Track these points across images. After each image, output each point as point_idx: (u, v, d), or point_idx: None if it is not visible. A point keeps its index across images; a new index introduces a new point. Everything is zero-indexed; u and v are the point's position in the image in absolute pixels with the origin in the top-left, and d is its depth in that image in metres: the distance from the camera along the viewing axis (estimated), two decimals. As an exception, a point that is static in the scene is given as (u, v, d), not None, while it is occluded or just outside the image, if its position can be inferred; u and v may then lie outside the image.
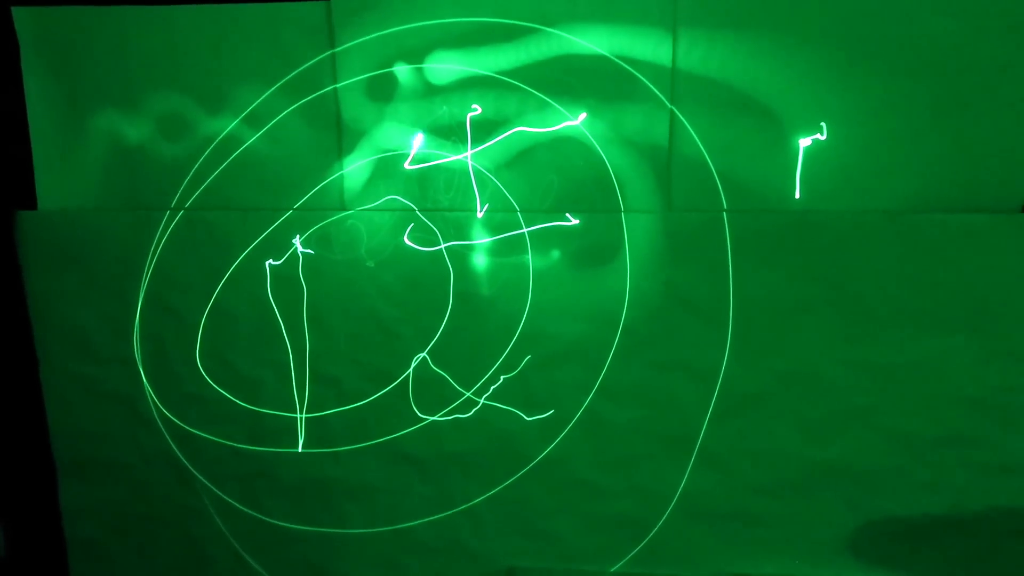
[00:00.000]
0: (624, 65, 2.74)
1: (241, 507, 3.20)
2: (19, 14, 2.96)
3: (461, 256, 2.92)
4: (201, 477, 3.20)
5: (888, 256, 2.70)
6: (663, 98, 2.75)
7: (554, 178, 2.84)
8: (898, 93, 2.64)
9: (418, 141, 2.70)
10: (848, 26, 2.61)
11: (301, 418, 3.09)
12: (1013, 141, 2.62)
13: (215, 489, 3.21)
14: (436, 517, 3.11)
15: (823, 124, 2.69)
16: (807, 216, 2.73)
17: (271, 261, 3.01)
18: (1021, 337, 2.68)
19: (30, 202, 3.11)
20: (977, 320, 2.69)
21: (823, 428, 2.85)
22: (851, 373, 2.80)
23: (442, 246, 2.92)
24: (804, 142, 2.71)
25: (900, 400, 2.79)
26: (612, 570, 3.05)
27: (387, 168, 2.92)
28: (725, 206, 2.78)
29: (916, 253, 2.68)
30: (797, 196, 2.74)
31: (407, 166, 2.90)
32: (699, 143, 2.77)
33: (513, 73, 2.80)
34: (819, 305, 2.77)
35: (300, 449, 3.12)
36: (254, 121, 2.95)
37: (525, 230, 2.88)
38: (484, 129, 2.84)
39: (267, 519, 3.20)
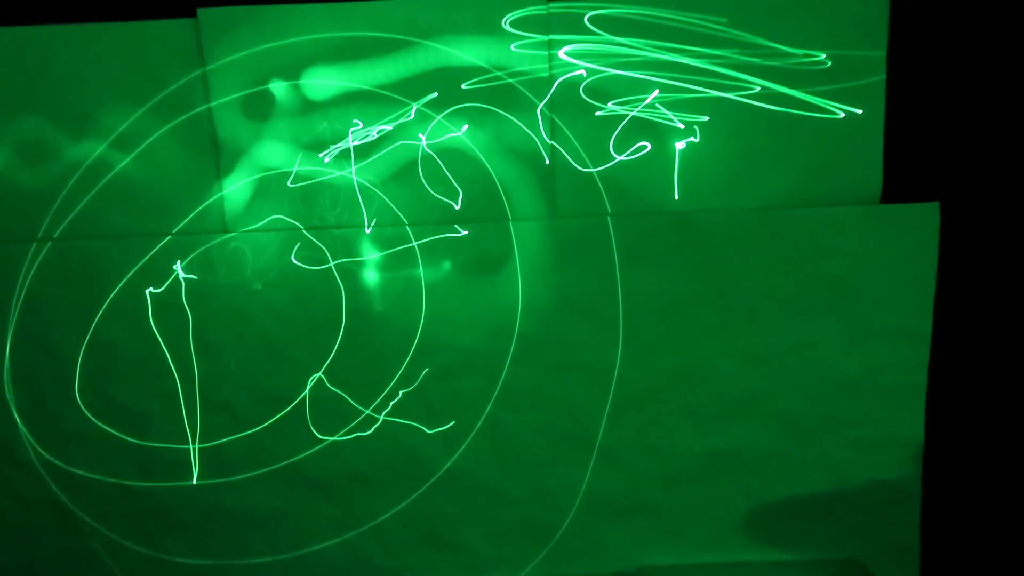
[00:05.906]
0: (503, 75, 2.77)
1: (134, 547, 3.05)
2: None
3: (351, 273, 2.88)
4: (88, 519, 3.03)
5: (761, 249, 2.83)
6: (542, 107, 2.80)
7: (440, 190, 2.85)
8: (763, 96, 2.77)
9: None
10: (714, 31, 2.73)
11: (194, 448, 2.98)
12: (867, 137, 2.79)
13: (104, 530, 3.04)
14: (342, 538, 3.06)
15: (696, 127, 2.80)
16: (686, 216, 2.83)
17: (151, 289, 2.88)
18: (884, 319, 2.86)
19: None
20: (845, 305, 2.85)
21: (713, 418, 2.96)
22: (736, 363, 2.92)
23: (331, 264, 2.88)
24: (679, 145, 2.82)
25: (782, 386, 2.93)
26: (521, 575, 3.08)
27: (269, 187, 2.86)
28: (609, 210, 2.85)
29: (786, 245, 2.82)
30: (676, 197, 2.85)
31: (290, 184, 2.85)
32: (580, 149, 2.83)
33: (393, 87, 2.79)
34: (702, 300, 2.88)
35: (195, 481, 3.00)
36: (124, 144, 2.82)
37: (415, 243, 2.87)
38: (367, 144, 2.82)
39: (164, 556, 3.07)
